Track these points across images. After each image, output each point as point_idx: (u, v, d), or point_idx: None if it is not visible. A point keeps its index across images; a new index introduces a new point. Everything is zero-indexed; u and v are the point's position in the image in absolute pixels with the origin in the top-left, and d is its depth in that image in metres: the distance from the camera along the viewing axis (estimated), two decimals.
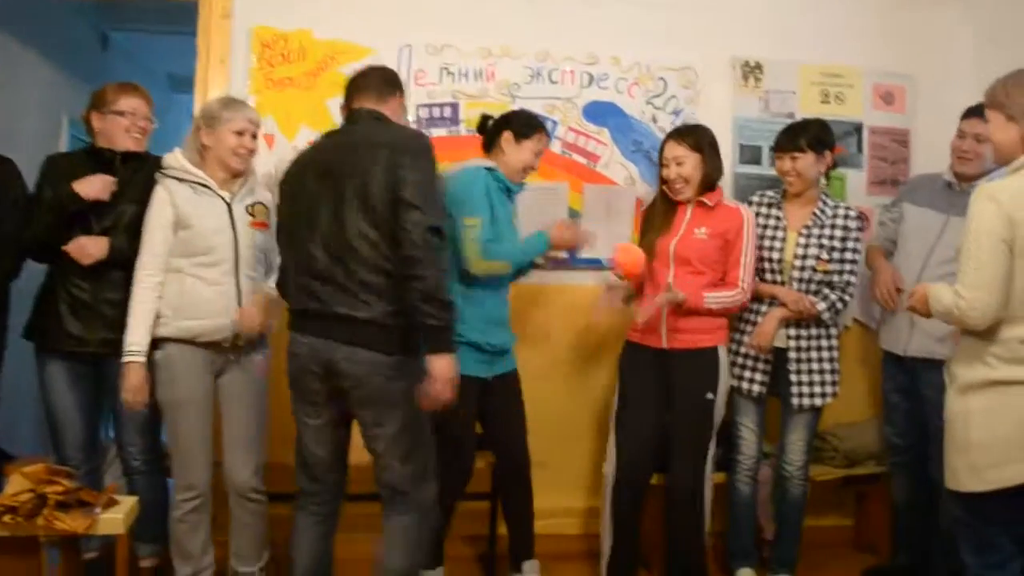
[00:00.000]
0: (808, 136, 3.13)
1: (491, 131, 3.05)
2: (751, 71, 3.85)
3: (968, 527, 2.34)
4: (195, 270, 2.69)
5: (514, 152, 2.98)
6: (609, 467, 3.14)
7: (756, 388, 3.23)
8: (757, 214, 3.21)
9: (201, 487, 2.73)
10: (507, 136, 2.99)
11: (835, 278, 3.13)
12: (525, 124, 3.01)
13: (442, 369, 2.28)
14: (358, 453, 2.53)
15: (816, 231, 3.14)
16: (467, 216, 2.85)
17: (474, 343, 2.90)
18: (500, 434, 3.11)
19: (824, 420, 3.61)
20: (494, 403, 3.04)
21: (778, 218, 3.21)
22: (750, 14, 3.84)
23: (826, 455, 3.72)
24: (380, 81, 2.56)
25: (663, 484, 3.15)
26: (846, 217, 3.15)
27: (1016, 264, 2.16)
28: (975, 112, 2.99)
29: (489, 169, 2.97)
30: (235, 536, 2.84)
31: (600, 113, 3.73)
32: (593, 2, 3.70)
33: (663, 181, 3.09)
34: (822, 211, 3.17)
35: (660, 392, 3.07)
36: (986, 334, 2.23)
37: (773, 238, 3.19)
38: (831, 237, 3.13)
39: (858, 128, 3.96)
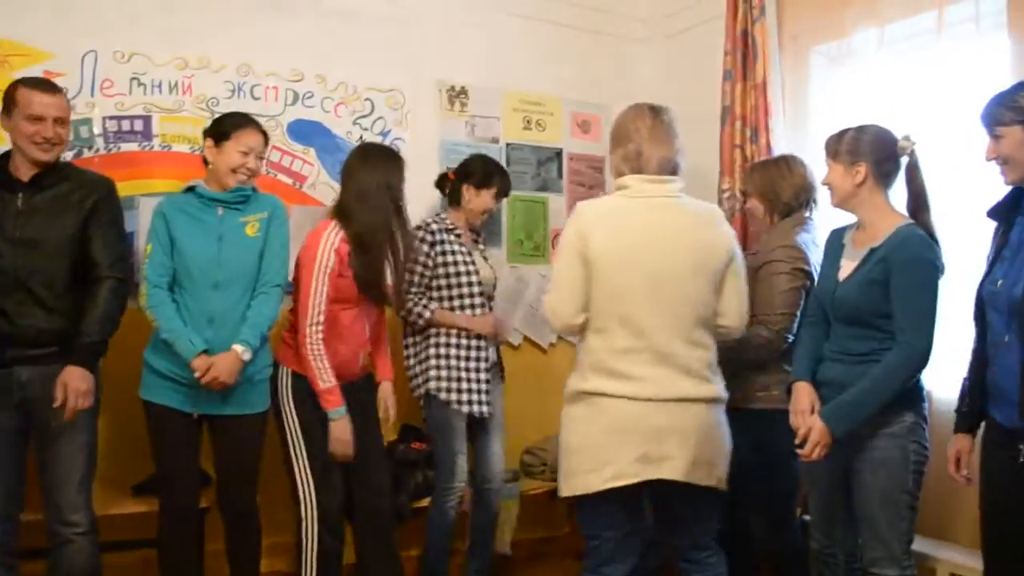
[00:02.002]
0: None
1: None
2: (456, 96, 3.94)
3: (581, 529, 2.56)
4: None
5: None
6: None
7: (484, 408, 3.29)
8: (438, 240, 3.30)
9: None
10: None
11: None
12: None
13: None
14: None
15: None
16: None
17: (162, 372, 2.78)
18: (220, 476, 2.97)
19: (533, 435, 3.79)
20: (217, 444, 2.93)
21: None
22: (456, 39, 3.94)
23: (535, 470, 3.90)
24: None
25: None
26: None
27: (592, 275, 2.36)
28: None
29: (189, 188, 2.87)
30: None
31: (306, 132, 3.66)
32: (297, 18, 3.61)
33: None
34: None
35: None
36: (582, 345, 2.44)
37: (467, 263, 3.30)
38: None
39: (559, 154, 4.18)
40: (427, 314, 3.22)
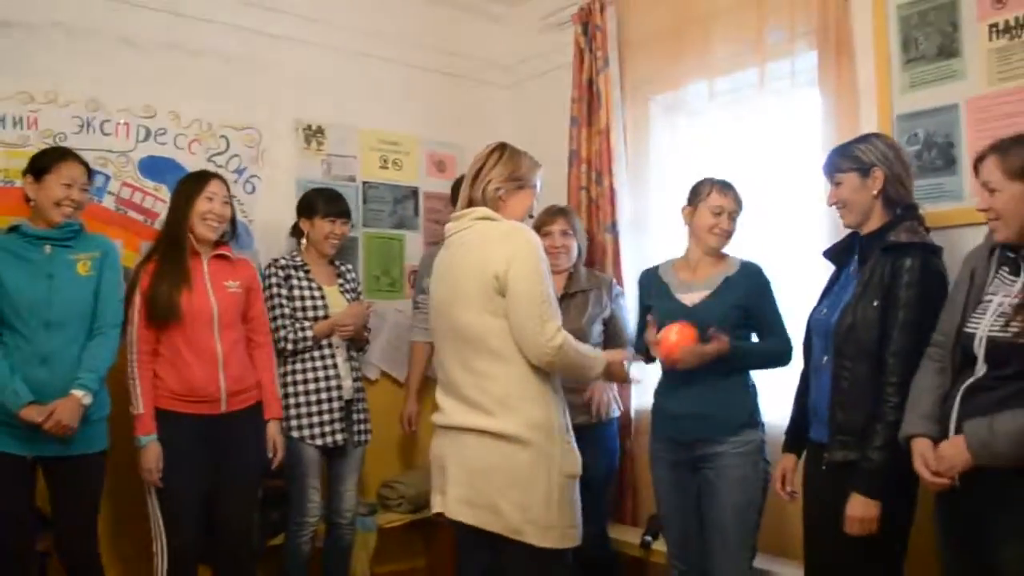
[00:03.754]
0: None
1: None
2: (313, 135, 3.99)
3: None
4: None
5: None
6: None
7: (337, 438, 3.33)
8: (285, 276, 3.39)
9: None
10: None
11: None
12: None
13: None
14: None
15: None
16: None
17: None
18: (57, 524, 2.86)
19: (390, 468, 3.84)
20: (54, 488, 2.83)
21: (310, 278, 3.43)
22: (312, 78, 3.98)
23: (392, 503, 3.94)
24: None
25: None
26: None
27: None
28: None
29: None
30: None
31: (158, 169, 3.60)
32: (150, 53, 3.57)
33: None
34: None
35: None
36: None
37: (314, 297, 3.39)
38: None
39: (415, 192, 4.29)
40: (298, 336, 3.29)
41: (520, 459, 2.26)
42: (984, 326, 2.01)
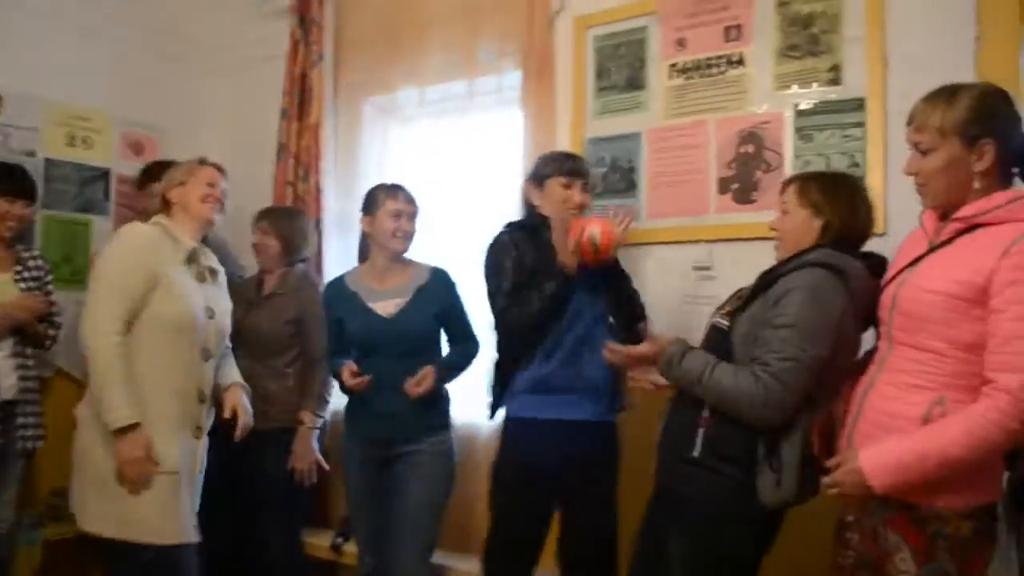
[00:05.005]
0: None
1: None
2: None
3: None
4: None
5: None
6: None
7: None
8: None
9: None
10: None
11: None
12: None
13: None
14: None
15: None
16: None
17: None
18: None
19: (61, 476, 3.51)
20: None
21: None
22: None
23: (65, 512, 3.58)
24: None
25: None
26: None
27: None
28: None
29: None
30: None
31: None
32: None
33: None
34: None
35: None
36: None
37: None
38: None
39: (106, 174, 3.96)
40: None
41: (86, 437, 2.53)
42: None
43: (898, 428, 1.75)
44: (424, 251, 3.01)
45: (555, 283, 2.45)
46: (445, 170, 3.54)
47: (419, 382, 2.67)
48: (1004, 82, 2.43)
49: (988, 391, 1.64)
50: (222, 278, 2.79)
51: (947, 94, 1.79)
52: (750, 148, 2.86)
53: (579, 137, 3.20)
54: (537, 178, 2.67)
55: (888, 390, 1.82)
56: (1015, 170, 1.81)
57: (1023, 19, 2.49)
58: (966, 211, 1.76)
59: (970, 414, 1.65)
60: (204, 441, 2.65)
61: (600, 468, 2.57)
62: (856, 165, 2.66)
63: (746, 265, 2.44)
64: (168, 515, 2.47)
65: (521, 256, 2.55)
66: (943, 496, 1.72)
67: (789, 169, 2.76)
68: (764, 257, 2.21)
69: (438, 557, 2.93)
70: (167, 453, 2.47)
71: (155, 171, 3.20)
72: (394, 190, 2.87)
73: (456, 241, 3.37)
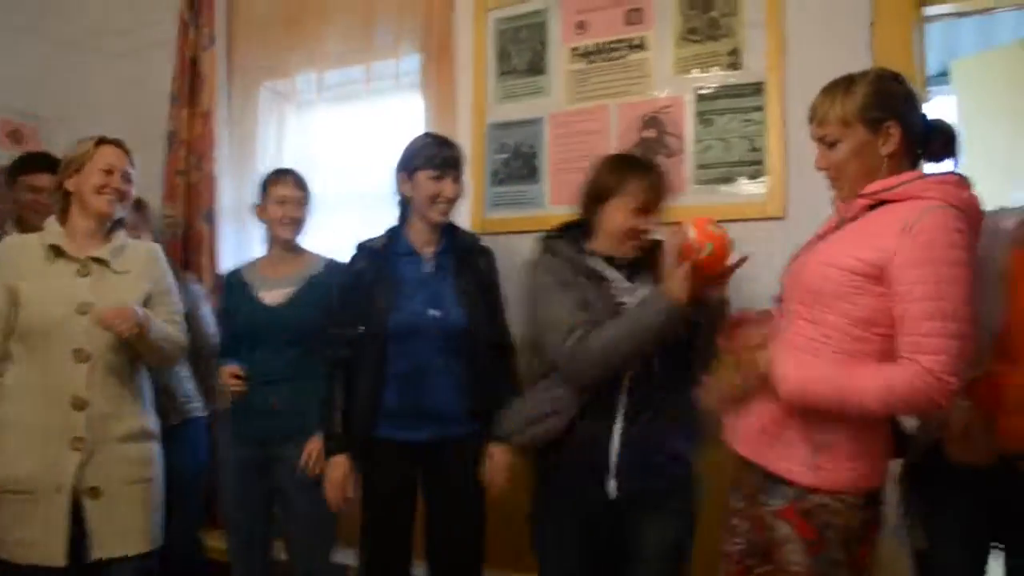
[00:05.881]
0: None
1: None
2: None
3: None
4: None
5: None
6: None
7: None
8: None
9: None
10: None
11: None
12: None
13: None
14: None
15: None
16: None
17: None
18: None
19: None
20: None
21: None
22: None
23: None
24: None
25: None
26: None
27: None
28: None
29: None
30: None
31: None
32: None
33: None
34: None
35: None
36: None
37: None
38: None
39: None
40: None
41: None
42: None
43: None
44: (325, 240, 2.89)
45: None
46: (346, 157, 3.43)
47: None
48: (898, 65, 2.47)
49: (909, 363, 1.61)
50: (127, 265, 2.42)
51: (844, 84, 1.79)
52: (652, 133, 2.82)
53: (481, 123, 3.12)
54: (406, 169, 2.47)
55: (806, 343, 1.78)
56: (920, 151, 1.81)
57: (915, 3, 2.52)
58: (873, 187, 1.75)
59: (896, 375, 1.62)
60: (110, 452, 2.32)
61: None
62: (756, 149, 2.65)
63: None
64: (14, 534, 2.22)
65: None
66: (827, 476, 1.72)
67: (690, 154, 2.74)
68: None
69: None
70: (17, 469, 2.23)
71: (28, 163, 3.00)
72: (280, 175, 2.75)
73: (357, 230, 3.24)
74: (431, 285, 2.41)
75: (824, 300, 1.73)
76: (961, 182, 1.70)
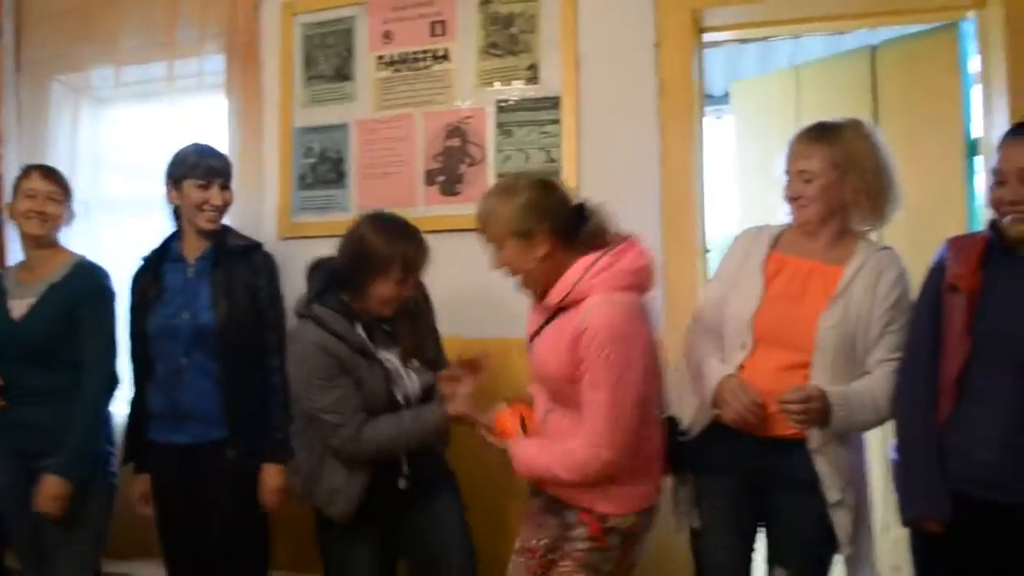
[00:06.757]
0: None
1: None
2: None
3: None
4: None
5: None
6: None
7: None
8: None
9: None
10: None
11: None
12: None
13: None
14: None
15: None
16: None
17: None
18: None
19: None
20: None
21: None
22: None
23: None
24: None
25: None
26: None
27: None
28: None
29: None
30: None
31: None
32: None
33: None
34: None
35: None
36: None
37: None
38: None
39: None
40: None
41: None
42: None
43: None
44: (118, 244, 2.79)
45: None
46: (146, 157, 3.31)
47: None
48: (680, 84, 2.70)
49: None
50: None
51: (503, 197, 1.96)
52: (456, 142, 2.91)
53: (287, 126, 3.12)
54: (173, 178, 2.44)
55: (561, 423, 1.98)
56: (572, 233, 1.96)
57: (696, 29, 2.73)
58: (551, 299, 1.94)
59: (574, 455, 1.87)
60: None
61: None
62: (552, 160, 2.79)
63: (456, 256, 2.51)
64: None
65: None
66: (604, 503, 1.93)
67: (492, 163, 2.85)
68: (470, 249, 2.26)
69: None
70: None
71: None
72: (29, 169, 2.57)
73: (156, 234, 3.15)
74: (189, 290, 2.44)
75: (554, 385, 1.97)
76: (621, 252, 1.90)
